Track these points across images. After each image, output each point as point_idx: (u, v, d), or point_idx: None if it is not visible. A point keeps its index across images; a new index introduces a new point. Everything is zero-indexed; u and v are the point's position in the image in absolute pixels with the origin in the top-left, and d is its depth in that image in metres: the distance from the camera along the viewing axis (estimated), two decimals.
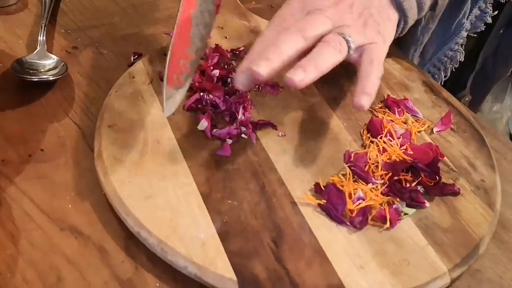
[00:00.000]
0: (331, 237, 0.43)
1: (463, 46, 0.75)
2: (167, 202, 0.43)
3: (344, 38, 0.48)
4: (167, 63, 0.43)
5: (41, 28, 0.58)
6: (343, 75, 0.58)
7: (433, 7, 0.59)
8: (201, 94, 0.52)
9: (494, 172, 0.50)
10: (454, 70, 0.78)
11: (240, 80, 0.45)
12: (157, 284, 0.41)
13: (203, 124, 0.50)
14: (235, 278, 0.39)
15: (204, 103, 0.52)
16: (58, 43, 0.58)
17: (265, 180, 0.46)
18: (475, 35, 0.75)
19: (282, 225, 0.43)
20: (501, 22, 0.80)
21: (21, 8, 0.64)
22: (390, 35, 0.53)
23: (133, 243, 0.42)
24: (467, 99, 0.90)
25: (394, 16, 0.53)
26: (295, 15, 0.49)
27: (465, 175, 0.50)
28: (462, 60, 0.76)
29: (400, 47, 0.73)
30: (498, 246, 0.47)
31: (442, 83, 0.78)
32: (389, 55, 0.61)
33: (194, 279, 0.40)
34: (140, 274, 0.41)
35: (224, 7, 0.65)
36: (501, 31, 0.80)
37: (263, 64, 0.43)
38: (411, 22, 0.56)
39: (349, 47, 0.48)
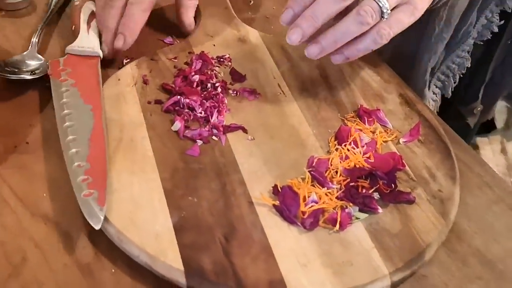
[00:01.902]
0: (280, 236, 0.46)
1: (471, 54, 0.77)
2: (130, 196, 0.47)
3: (380, 5, 0.51)
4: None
5: (37, 30, 0.62)
6: (322, 84, 0.61)
7: None
8: (179, 97, 0.55)
9: (454, 183, 0.52)
10: (466, 82, 0.79)
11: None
12: (113, 270, 0.44)
13: (177, 125, 0.53)
14: (182, 268, 0.42)
15: (181, 106, 0.55)
16: (53, 46, 0.63)
17: (227, 179, 0.49)
18: (483, 44, 0.76)
19: (235, 223, 0.46)
20: (509, 33, 0.81)
21: (29, 12, 0.68)
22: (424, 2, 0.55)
23: (95, 232, 0.45)
24: (479, 109, 0.91)
25: None
26: None
27: (424, 185, 0.51)
28: (469, 67, 0.78)
29: (414, 56, 0.76)
30: (449, 255, 0.48)
31: (453, 90, 0.80)
32: (372, 65, 0.63)
33: (146, 267, 0.43)
34: (98, 260, 0.44)
35: (216, 16, 0.68)
36: (510, 42, 0.82)
37: (295, 32, 0.52)
38: None
39: (382, 16, 0.52)
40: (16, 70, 0.56)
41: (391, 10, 0.53)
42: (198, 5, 0.67)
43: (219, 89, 0.57)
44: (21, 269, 0.43)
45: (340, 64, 0.63)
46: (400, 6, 0.54)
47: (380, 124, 0.57)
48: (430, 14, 0.74)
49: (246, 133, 0.54)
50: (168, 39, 0.66)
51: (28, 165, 0.51)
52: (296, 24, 0.52)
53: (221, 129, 0.53)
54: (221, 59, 0.62)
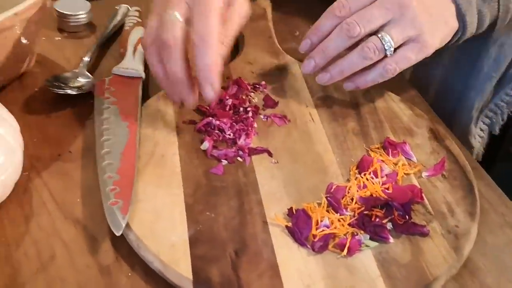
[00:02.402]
0: (289, 256, 0.47)
1: None
2: (153, 207, 0.50)
3: (383, 43, 0.57)
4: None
5: (89, 50, 0.68)
6: (352, 115, 0.62)
7: (492, 25, 0.64)
8: (211, 118, 0.59)
9: (472, 220, 0.52)
10: None
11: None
12: (129, 274, 0.47)
13: (205, 145, 0.56)
14: (191, 278, 0.45)
15: (212, 127, 0.58)
16: (103, 66, 0.68)
17: (246, 199, 0.52)
18: None
19: (248, 239, 0.48)
20: None
21: (88, 34, 0.74)
22: (441, 39, 0.60)
23: (118, 238, 0.48)
24: None
25: (454, 24, 0.60)
26: None
27: (441, 219, 0.52)
28: None
29: (461, 92, 0.76)
30: None
31: (501, 129, 0.80)
32: (405, 98, 0.64)
33: (159, 274, 0.46)
34: (118, 263, 0.48)
35: (259, 45, 0.72)
36: None
37: (309, 64, 0.60)
38: (468, 35, 0.62)
39: (385, 53, 0.57)
40: (63, 85, 0.62)
41: (400, 46, 0.57)
42: (242, 32, 0.71)
43: (250, 113, 0.60)
44: (48, 266, 0.47)
45: (372, 96, 0.65)
46: (408, 43, 0.58)
47: (405, 157, 0.58)
48: (479, 53, 0.74)
49: (271, 156, 0.57)
50: None
51: (68, 172, 0.55)
52: (310, 56, 0.59)
53: (247, 151, 0.56)
54: (257, 86, 0.65)
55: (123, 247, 0.49)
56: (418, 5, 0.58)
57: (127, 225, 0.48)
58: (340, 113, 0.63)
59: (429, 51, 0.59)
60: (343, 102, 0.64)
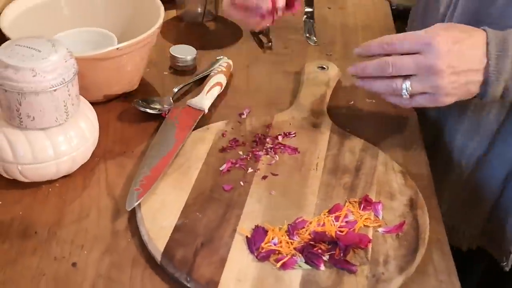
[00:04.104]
0: (238, 257, 0.62)
1: None
2: (162, 200, 0.69)
3: (403, 87, 0.71)
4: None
5: (181, 84, 0.89)
6: (351, 174, 0.75)
7: None
8: (235, 160, 0.76)
9: (400, 274, 0.62)
10: None
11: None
12: (129, 240, 0.66)
13: (223, 166, 0.74)
14: (161, 250, 0.62)
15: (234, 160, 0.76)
16: (188, 97, 0.89)
17: (230, 211, 0.68)
18: None
19: (215, 238, 0.64)
20: None
21: (190, 73, 0.96)
22: (456, 99, 0.71)
23: (133, 216, 0.68)
24: None
25: (475, 90, 0.70)
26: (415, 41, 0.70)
27: (373, 265, 0.62)
28: None
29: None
30: None
31: None
32: (407, 173, 0.75)
33: (147, 244, 0.64)
34: (125, 231, 0.67)
35: (309, 98, 0.87)
36: None
37: (351, 69, 0.76)
38: (489, 101, 0.72)
39: (402, 95, 0.71)
40: (147, 106, 0.83)
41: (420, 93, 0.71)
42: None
43: (268, 151, 0.77)
44: (81, 220, 0.68)
45: (376, 162, 0.77)
46: (426, 93, 0.70)
47: (374, 214, 0.69)
48: None
49: (276, 175, 0.73)
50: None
51: (125, 165, 0.76)
52: (355, 65, 0.76)
53: (258, 170, 0.74)
54: (288, 135, 0.81)
55: (133, 222, 0.68)
56: (447, 69, 0.68)
57: (138, 206, 0.67)
58: (342, 169, 0.76)
59: (443, 104, 0.71)
60: (350, 162, 0.77)
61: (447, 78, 0.68)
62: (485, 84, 0.69)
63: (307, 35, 1.08)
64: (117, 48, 0.78)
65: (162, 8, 0.87)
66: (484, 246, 0.91)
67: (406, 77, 0.70)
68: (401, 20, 1.30)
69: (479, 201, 0.87)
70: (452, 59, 0.68)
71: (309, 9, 1.17)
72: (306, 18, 1.14)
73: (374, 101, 0.91)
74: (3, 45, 0.66)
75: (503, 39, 0.68)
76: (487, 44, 0.68)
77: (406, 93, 0.71)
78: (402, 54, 0.71)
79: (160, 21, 0.84)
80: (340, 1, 1.22)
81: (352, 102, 0.92)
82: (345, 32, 1.12)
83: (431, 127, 0.90)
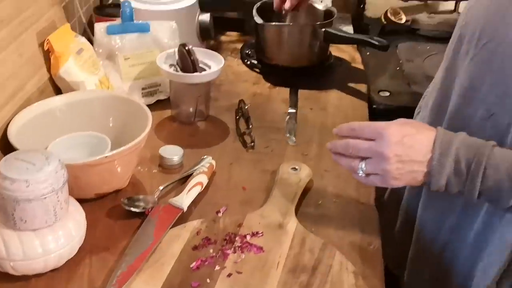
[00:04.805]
0: None
1: None
2: None
3: (359, 166, 0.83)
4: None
5: (167, 183, 1.00)
6: (308, 273, 0.83)
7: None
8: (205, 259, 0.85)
9: None
10: None
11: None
12: None
13: (194, 264, 0.83)
14: None
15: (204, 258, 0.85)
16: (171, 195, 0.99)
17: None
18: None
19: None
20: None
21: (178, 171, 1.07)
22: (405, 184, 0.82)
23: None
24: None
25: (421, 179, 0.80)
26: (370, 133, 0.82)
27: None
28: None
29: None
30: None
31: None
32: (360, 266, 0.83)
33: None
34: None
35: (277, 205, 0.96)
36: None
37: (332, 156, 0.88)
38: (433, 188, 0.81)
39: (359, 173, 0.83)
40: (132, 204, 0.94)
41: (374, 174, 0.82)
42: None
43: (236, 249, 0.85)
44: None
45: (334, 260, 0.85)
46: (378, 174, 0.81)
47: None
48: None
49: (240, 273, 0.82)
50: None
51: (108, 260, 0.85)
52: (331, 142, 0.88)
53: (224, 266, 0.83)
54: (256, 234, 0.89)
55: None
56: (394, 157, 0.79)
57: None
58: (301, 267, 0.84)
59: (391, 187, 0.85)
60: (308, 261, 0.85)
61: (394, 165, 0.79)
62: (429, 175, 0.80)
63: (288, 135, 1.20)
64: (106, 156, 0.89)
65: (150, 117, 0.99)
66: None
67: (363, 158, 0.82)
68: (382, 118, 1.41)
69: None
70: (400, 149, 0.79)
71: (292, 110, 1.29)
72: (288, 118, 1.26)
73: (338, 201, 1.00)
74: (4, 158, 0.77)
75: (449, 141, 0.79)
76: (434, 141, 0.79)
77: (362, 172, 0.82)
78: (365, 139, 0.83)
79: (147, 129, 0.95)
80: (322, 103, 1.33)
81: (320, 202, 1.01)
82: (323, 132, 1.22)
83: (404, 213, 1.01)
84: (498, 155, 0.77)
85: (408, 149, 0.79)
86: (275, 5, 1.38)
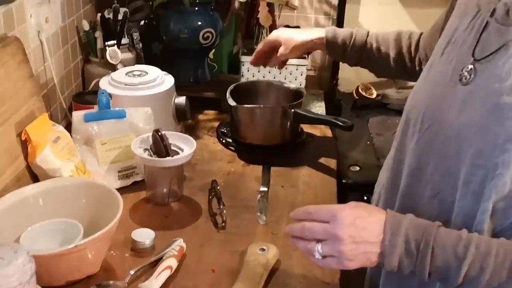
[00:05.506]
0: None
1: None
2: None
3: (316, 249, 0.84)
4: None
5: (136, 268, 1.03)
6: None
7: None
8: None
9: None
10: None
11: None
12: None
13: None
14: None
15: None
16: (142, 279, 1.02)
17: None
18: None
19: None
20: None
21: (149, 253, 1.10)
22: (360, 265, 0.84)
23: None
24: None
25: (375, 260, 0.83)
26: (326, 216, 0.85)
27: None
28: None
29: None
30: None
31: None
32: None
33: None
34: None
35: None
36: None
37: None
38: (387, 268, 0.83)
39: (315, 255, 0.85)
40: None
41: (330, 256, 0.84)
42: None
43: None
44: None
45: None
46: (334, 256, 0.84)
47: None
48: None
49: None
50: None
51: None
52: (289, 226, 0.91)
53: None
54: None
55: None
56: (348, 238, 0.82)
57: None
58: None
59: (347, 268, 0.84)
60: None
61: (348, 246, 0.83)
62: (382, 256, 0.83)
63: (259, 214, 1.24)
64: (76, 246, 0.92)
65: (121, 203, 1.03)
66: None
67: (319, 240, 0.85)
68: (352, 193, 1.46)
69: None
70: (353, 230, 0.83)
71: (264, 189, 1.34)
72: (260, 197, 1.30)
73: (304, 281, 1.03)
74: None
75: (398, 222, 0.83)
76: (385, 223, 0.83)
77: (319, 255, 0.85)
78: (321, 221, 0.86)
79: (118, 216, 0.99)
80: (293, 180, 1.38)
81: (287, 282, 1.04)
82: (293, 209, 1.24)
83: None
84: (444, 235, 0.81)
85: (361, 230, 0.83)
86: (251, 61, 1.46)
